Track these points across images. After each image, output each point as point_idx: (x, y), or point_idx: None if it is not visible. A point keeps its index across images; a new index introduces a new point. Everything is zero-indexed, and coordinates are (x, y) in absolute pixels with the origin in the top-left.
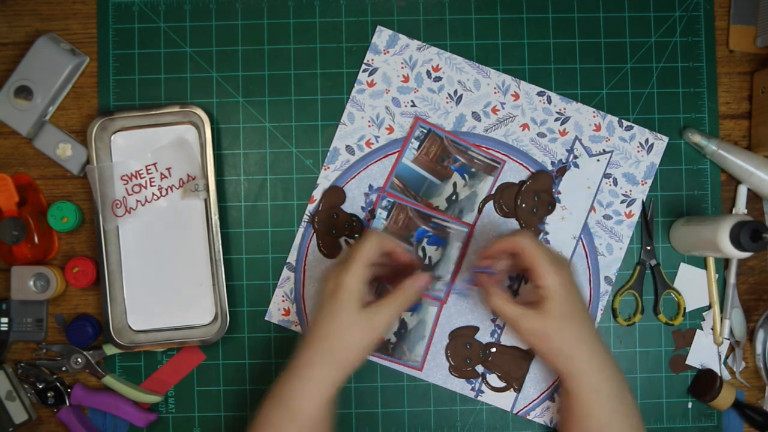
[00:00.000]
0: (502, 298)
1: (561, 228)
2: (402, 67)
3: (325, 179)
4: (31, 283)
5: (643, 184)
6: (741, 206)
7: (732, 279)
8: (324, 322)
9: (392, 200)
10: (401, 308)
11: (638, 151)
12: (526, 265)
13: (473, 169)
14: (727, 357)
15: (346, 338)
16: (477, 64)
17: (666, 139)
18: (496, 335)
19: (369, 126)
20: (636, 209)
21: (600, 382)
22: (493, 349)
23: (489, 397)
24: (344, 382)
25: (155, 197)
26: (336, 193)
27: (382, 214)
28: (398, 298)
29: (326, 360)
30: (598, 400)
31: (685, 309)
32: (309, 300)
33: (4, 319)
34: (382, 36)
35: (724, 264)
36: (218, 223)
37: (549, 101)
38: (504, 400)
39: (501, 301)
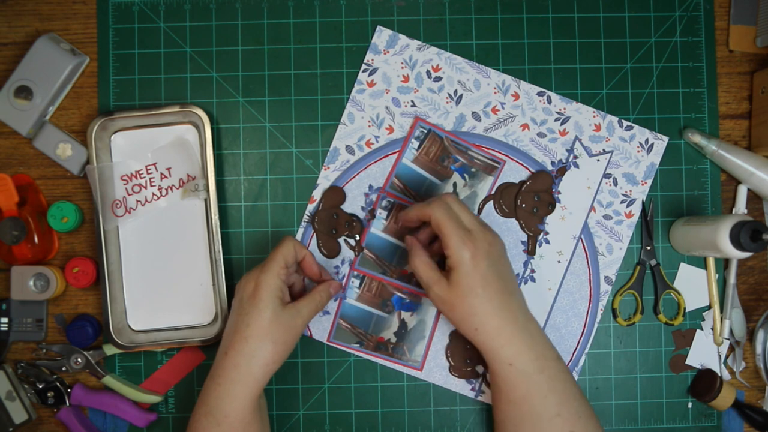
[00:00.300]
0: (421, 260)
1: (561, 228)
2: (402, 67)
3: (325, 179)
4: (31, 283)
5: (643, 184)
6: (741, 206)
7: (732, 279)
8: (248, 323)
9: (392, 200)
10: (317, 310)
11: (638, 151)
12: (439, 235)
13: (473, 169)
14: (727, 357)
15: (272, 336)
16: (477, 64)
17: (666, 139)
18: None
19: (369, 126)
20: (636, 209)
21: (513, 354)
22: None
23: (489, 397)
24: (267, 381)
25: (155, 197)
26: (336, 193)
27: (382, 214)
28: (315, 299)
29: (252, 360)
30: (512, 372)
31: (685, 309)
32: None
33: (4, 319)
34: (382, 36)
35: (724, 264)
36: (218, 223)
37: (549, 101)
38: None
39: (420, 263)
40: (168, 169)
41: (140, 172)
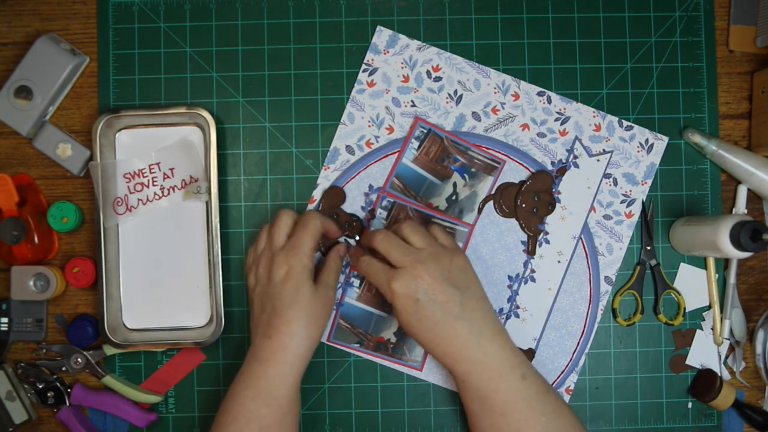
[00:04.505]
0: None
1: (561, 228)
2: (402, 67)
3: (325, 179)
4: (31, 283)
5: (643, 184)
6: (741, 206)
7: (732, 279)
8: (288, 304)
9: (392, 200)
10: (338, 275)
11: (638, 151)
12: None
13: (473, 169)
14: (727, 357)
15: (314, 314)
16: (477, 64)
17: (666, 139)
18: None
19: (369, 126)
20: (636, 209)
21: (464, 373)
22: None
23: None
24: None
25: (157, 197)
26: (336, 193)
27: (382, 214)
28: (333, 267)
29: (300, 340)
30: (466, 388)
31: (685, 309)
32: None
33: (4, 319)
34: (382, 36)
35: (724, 264)
36: (218, 226)
37: (549, 101)
38: None
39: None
40: (171, 169)
41: (143, 171)
